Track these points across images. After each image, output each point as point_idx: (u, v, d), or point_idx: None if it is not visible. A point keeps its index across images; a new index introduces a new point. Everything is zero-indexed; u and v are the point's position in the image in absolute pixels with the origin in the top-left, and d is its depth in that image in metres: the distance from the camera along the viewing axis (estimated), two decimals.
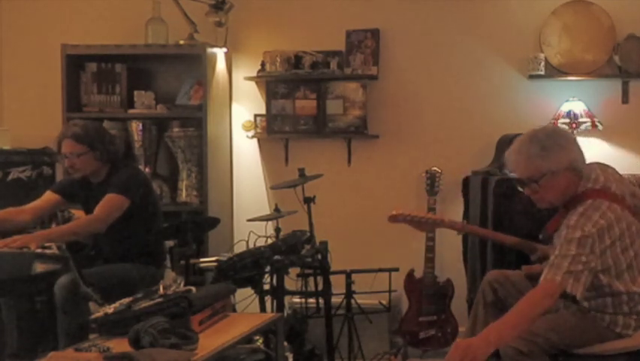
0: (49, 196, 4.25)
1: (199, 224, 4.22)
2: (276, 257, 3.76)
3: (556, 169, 3.14)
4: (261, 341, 3.93)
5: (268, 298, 3.95)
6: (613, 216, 3.09)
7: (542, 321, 3.21)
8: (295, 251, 3.93)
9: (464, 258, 4.94)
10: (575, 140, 3.26)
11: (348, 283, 4.32)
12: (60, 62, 5.06)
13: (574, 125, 4.83)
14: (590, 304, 3.22)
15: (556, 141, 3.16)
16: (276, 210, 4.55)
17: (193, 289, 3.07)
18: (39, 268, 3.66)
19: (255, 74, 5.27)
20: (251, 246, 4.05)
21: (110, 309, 2.99)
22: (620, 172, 3.39)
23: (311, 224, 4.39)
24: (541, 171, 3.14)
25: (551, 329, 3.19)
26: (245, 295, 4.11)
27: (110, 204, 4.05)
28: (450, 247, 5.05)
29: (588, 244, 3.00)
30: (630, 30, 4.98)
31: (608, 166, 3.35)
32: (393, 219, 3.71)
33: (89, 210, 4.16)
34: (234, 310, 4.01)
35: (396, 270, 4.47)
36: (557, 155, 3.13)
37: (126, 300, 3.02)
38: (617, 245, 3.11)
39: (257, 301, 4.01)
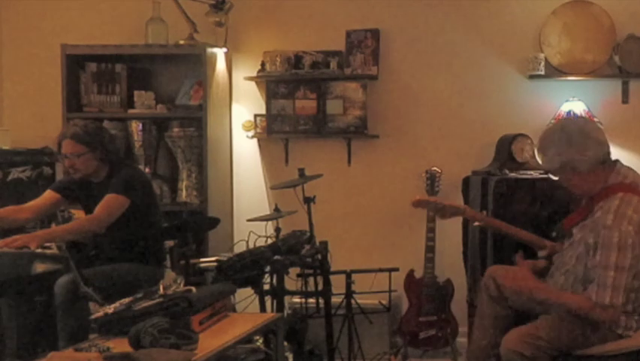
0: (49, 195, 4.25)
1: (199, 224, 4.22)
2: (276, 257, 3.76)
3: (588, 161, 3.20)
4: (261, 341, 3.93)
5: (268, 298, 3.95)
6: None
7: (544, 323, 3.24)
8: (295, 251, 3.93)
9: (464, 258, 4.94)
10: (603, 134, 3.33)
11: (348, 283, 4.32)
12: (60, 62, 5.06)
13: None
14: None
15: (588, 133, 3.23)
16: (276, 210, 4.55)
17: (193, 289, 3.07)
18: (39, 268, 3.67)
19: (255, 74, 5.26)
20: (251, 246, 4.05)
21: (110, 309, 2.99)
22: None
23: (311, 224, 4.39)
24: (571, 163, 3.21)
25: (553, 331, 3.21)
26: (245, 295, 4.11)
27: (110, 204, 4.05)
28: (450, 247, 5.05)
29: (629, 246, 3.07)
30: (630, 30, 4.98)
31: (630, 168, 3.39)
32: (417, 203, 3.72)
33: (89, 210, 4.16)
34: (234, 310, 4.01)
35: (397, 270, 4.46)
36: (590, 147, 3.20)
37: (126, 300, 3.02)
38: None
39: (257, 301, 4.00)
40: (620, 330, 3.25)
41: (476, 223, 4.16)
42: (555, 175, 3.33)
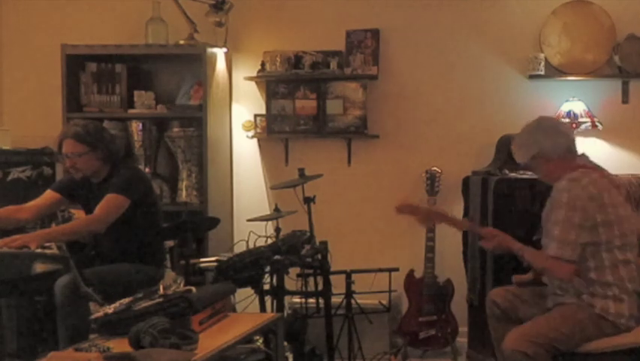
0: (49, 195, 4.25)
1: (199, 224, 4.22)
2: (276, 257, 3.76)
3: (559, 147, 3.46)
4: (261, 341, 3.93)
5: (268, 298, 3.96)
6: (602, 185, 3.35)
7: (544, 322, 3.30)
8: (295, 251, 3.93)
9: (464, 258, 4.94)
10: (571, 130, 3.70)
11: (348, 283, 4.32)
12: (60, 62, 5.06)
13: (574, 126, 4.83)
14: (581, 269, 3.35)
15: (558, 126, 3.62)
16: (276, 210, 4.56)
17: (193, 289, 3.08)
18: (39, 268, 3.66)
19: (255, 74, 5.27)
20: (251, 246, 4.05)
21: (110, 309, 2.99)
22: (620, 172, 3.58)
23: (311, 224, 4.39)
24: (544, 150, 3.48)
25: (553, 329, 3.25)
26: (245, 295, 4.11)
27: (110, 204, 4.04)
28: (450, 247, 5.05)
29: (578, 207, 3.27)
30: (630, 30, 4.98)
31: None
32: (400, 209, 3.72)
33: (89, 210, 4.15)
34: (234, 310, 4.01)
35: (397, 270, 4.47)
36: (561, 136, 3.50)
37: (126, 300, 3.02)
38: (607, 211, 3.33)
39: (257, 301, 4.01)
40: (612, 317, 3.30)
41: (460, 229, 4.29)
42: (529, 166, 3.59)
